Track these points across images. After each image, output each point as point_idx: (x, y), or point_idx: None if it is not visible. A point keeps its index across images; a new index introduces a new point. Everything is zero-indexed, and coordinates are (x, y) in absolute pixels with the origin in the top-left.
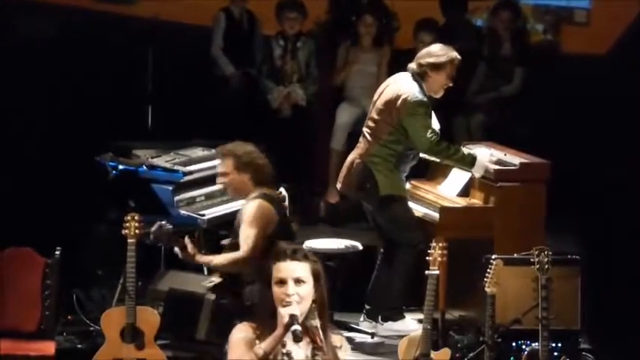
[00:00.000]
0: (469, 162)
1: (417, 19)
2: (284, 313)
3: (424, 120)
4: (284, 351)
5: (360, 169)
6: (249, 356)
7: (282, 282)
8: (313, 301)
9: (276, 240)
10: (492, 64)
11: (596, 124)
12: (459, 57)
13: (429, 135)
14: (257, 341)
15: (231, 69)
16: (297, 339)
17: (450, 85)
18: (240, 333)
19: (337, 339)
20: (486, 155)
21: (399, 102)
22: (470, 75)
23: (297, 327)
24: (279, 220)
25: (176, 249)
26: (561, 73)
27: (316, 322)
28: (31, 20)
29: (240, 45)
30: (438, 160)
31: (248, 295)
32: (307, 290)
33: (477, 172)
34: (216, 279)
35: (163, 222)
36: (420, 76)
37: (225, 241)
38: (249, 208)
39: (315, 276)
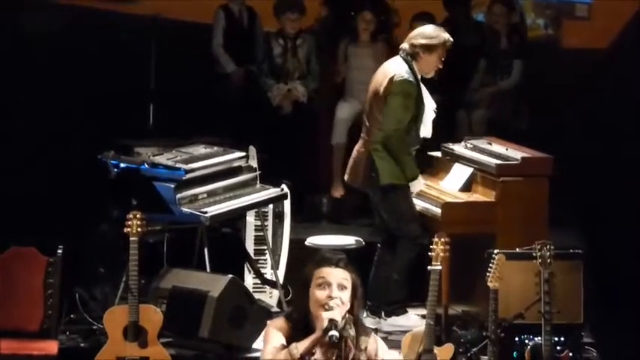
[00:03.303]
0: (411, 175)
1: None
2: (325, 317)
3: (404, 100)
4: (313, 359)
5: (364, 158)
6: (283, 354)
7: (327, 285)
8: (348, 311)
9: None
10: (492, 59)
11: (598, 119)
12: (451, 39)
13: (399, 120)
14: (286, 339)
15: (232, 66)
16: (333, 344)
17: (441, 66)
18: (276, 327)
19: (371, 340)
20: (422, 184)
21: (387, 82)
22: (472, 71)
23: (334, 332)
24: None
25: None
26: (562, 68)
27: (353, 332)
28: (34, 17)
29: (241, 42)
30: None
31: None
32: (347, 297)
33: (413, 188)
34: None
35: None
36: (411, 57)
37: None
38: None
39: (354, 287)
